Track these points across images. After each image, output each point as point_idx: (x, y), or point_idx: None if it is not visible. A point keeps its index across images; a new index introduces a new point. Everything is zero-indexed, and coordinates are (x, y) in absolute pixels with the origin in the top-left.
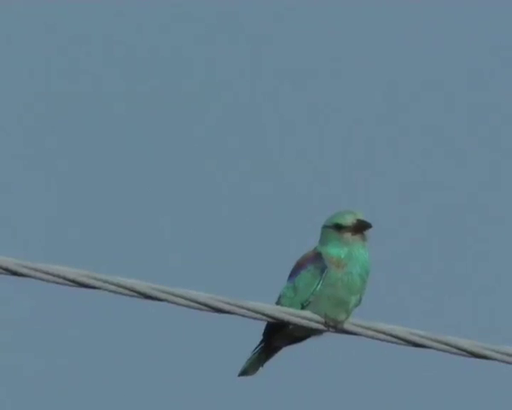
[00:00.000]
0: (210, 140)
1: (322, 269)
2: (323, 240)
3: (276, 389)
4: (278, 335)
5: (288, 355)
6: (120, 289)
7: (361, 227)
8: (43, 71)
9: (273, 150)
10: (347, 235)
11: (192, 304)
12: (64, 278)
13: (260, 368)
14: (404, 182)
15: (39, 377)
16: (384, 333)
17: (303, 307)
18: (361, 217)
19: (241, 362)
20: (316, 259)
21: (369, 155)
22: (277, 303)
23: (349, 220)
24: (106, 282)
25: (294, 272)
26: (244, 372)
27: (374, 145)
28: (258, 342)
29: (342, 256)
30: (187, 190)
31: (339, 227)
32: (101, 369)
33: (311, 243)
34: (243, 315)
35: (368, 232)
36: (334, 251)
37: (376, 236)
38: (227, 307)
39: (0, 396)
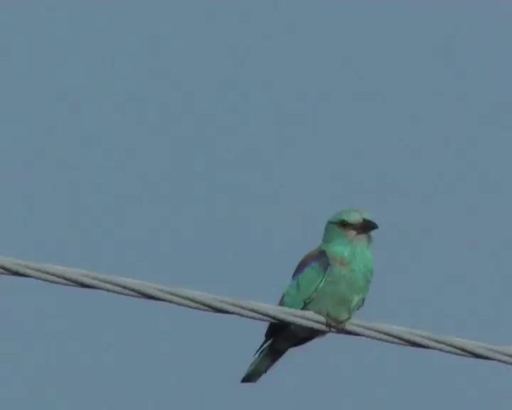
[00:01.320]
0: (210, 140)
1: (326, 266)
2: (327, 237)
3: (274, 392)
4: (280, 336)
5: (288, 358)
6: (121, 290)
7: (367, 227)
8: (42, 71)
9: (274, 150)
10: (352, 233)
11: (194, 304)
12: (64, 278)
13: (263, 375)
14: (403, 181)
15: (39, 376)
16: (385, 333)
17: (305, 305)
18: (367, 217)
19: (243, 363)
20: (319, 256)
21: (371, 155)
22: (280, 302)
23: (355, 218)
24: (106, 282)
25: (298, 270)
26: (247, 378)
27: (376, 145)
28: (260, 344)
29: (345, 254)
30: (190, 190)
31: (344, 224)
32: (102, 370)
33: (314, 242)
34: (246, 316)
35: (373, 233)
36: (337, 249)
37: (377, 235)
38: (230, 308)
39: (0, 396)
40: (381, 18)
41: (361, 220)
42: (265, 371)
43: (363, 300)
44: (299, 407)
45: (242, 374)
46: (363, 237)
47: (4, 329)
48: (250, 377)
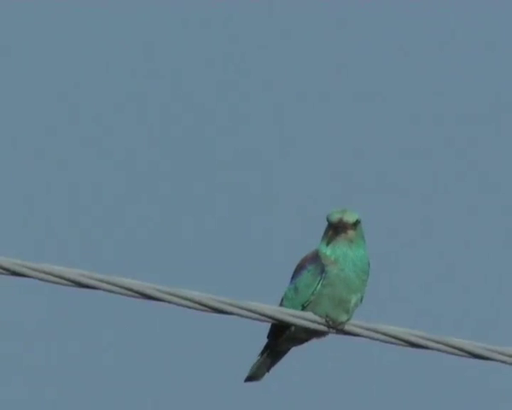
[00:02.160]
0: (210, 140)
1: (322, 268)
2: (323, 236)
3: (274, 393)
4: (282, 338)
5: (289, 358)
6: (119, 290)
7: (335, 229)
8: (42, 71)
9: (274, 150)
10: (331, 232)
11: (192, 305)
12: (63, 278)
13: (266, 373)
14: (403, 181)
15: (39, 376)
16: (384, 334)
17: (303, 308)
18: (346, 218)
19: (245, 363)
20: (314, 258)
21: (371, 155)
22: (280, 305)
23: (333, 218)
24: (104, 282)
25: (296, 274)
26: (250, 378)
27: (376, 145)
28: (262, 344)
29: (328, 253)
30: (190, 190)
31: (328, 223)
32: (101, 370)
33: (314, 243)
34: (244, 316)
35: (350, 233)
36: (322, 247)
37: (377, 234)
38: (228, 308)
39: (0, 396)
40: (381, 18)
41: (337, 221)
42: (268, 371)
43: (362, 298)
44: (298, 407)
45: (244, 374)
46: (339, 237)
47: (4, 329)
48: (253, 377)
